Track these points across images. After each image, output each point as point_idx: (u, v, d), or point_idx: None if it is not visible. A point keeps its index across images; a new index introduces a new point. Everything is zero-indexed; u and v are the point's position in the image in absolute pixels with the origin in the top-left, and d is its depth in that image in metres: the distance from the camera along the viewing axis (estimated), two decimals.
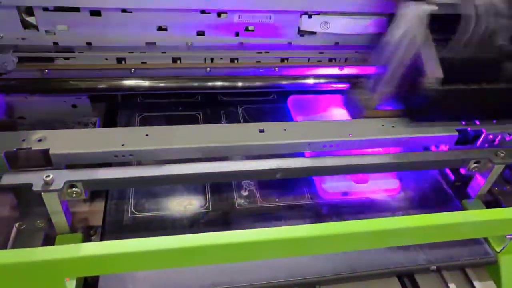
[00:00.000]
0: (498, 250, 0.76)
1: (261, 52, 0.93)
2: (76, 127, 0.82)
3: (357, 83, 0.96)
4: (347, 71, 0.97)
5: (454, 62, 0.79)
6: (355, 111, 0.91)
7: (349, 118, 0.94)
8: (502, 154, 0.80)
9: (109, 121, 0.97)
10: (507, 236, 0.73)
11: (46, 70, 0.87)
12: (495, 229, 0.73)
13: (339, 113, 0.99)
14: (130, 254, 0.58)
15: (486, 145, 0.86)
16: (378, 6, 0.89)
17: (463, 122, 0.85)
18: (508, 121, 0.86)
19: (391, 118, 0.85)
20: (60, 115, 0.89)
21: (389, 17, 0.92)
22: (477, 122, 0.85)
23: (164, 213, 0.79)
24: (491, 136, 0.84)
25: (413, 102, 0.83)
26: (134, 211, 0.78)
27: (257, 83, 0.96)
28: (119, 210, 0.78)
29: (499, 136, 0.84)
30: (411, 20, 0.77)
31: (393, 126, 0.83)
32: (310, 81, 0.97)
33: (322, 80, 0.98)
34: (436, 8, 0.78)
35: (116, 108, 1.00)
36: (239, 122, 0.99)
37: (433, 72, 0.77)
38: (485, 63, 0.80)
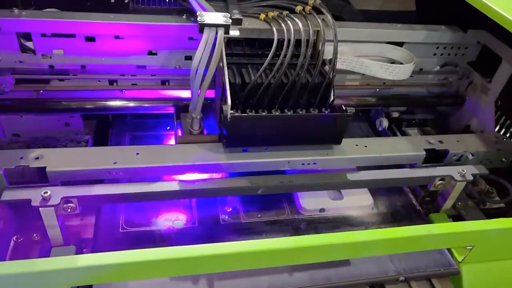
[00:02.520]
0: (460, 260, 0.82)
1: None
2: (69, 144, 0.86)
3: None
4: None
5: (250, 88, 0.79)
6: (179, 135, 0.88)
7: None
8: (463, 172, 0.87)
9: (100, 138, 1.01)
10: (467, 247, 0.80)
11: (41, 91, 0.92)
12: (456, 241, 0.79)
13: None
14: (122, 265, 0.63)
15: (451, 163, 0.93)
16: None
17: (266, 148, 0.84)
18: (469, 141, 0.94)
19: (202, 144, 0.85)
20: (53, 133, 0.93)
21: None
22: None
23: (153, 228, 0.83)
24: (455, 155, 0.92)
25: (220, 127, 0.84)
26: (125, 226, 0.82)
27: None
28: (110, 225, 0.82)
29: (462, 155, 0.92)
30: (207, 45, 0.76)
31: (366, 146, 0.89)
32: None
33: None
34: (238, 33, 0.81)
35: (107, 125, 1.04)
36: None
37: (226, 99, 0.77)
38: (278, 91, 0.80)
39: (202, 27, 0.76)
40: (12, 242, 0.75)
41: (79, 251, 0.77)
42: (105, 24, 0.85)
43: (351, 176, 0.87)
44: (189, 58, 0.95)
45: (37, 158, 0.76)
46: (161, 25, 0.87)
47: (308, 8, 0.87)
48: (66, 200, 0.73)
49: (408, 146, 0.91)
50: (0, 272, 0.59)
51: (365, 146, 0.89)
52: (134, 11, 0.97)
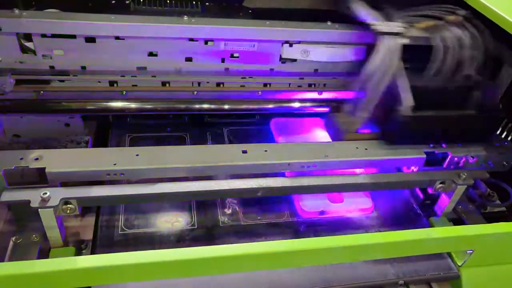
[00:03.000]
0: (459, 264, 0.82)
1: (245, 77, 0.99)
2: (69, 145, 0.86)
3: (337, 107, 1.02)
4: (325, 95, 1.04)
5: (424, 90, 0.86)
6: (336, 134, 0.97)
7: (330, 140, 1.00)
8: (464, 176, 0.87)
9: (100, 139, 1.01)
10: (467, 251, 0.80)
11: (42, 92, 0.91)
12: (456, 245, 0.79)
13: (321, 135, 1.05)
14: (121, 266, 0.63)
15: (452, 167, 0.93)
16: (354, 37, 0.96)
17: (431, 145, 0.92)
18: (471, 144, 0.93)
19: (367, 140, 0.91)
20: (53, 133, 0.93)
21: (366, 47, 0.99)
22: (444, 145, 0.92)
23: (152, 230, 0.83)
24: (456, 159, 0.91)
25: (388, 126, 0.90)
26: (124, 228, 0.82)
27: (242, 106, 1.01)
28: (110, 226, 0.82)
29: (463, 159, 0.92)
30: (386, 51, 0.84)
31: (366, 149, 0.89)
32: (291, 104, 1.03)
33: (302, 104, 1.04)
34: (408, 40, 0.86)
35: (107, 126, 1.05)
36: (224, 143, 1.05)
37: (406, 100, 0.84)
38: (452, 92, 0.88)
39: (380, 35, 0.84)
40: (11, 243, 0.74)
41: (78, 252, 0.77)
42: (106, 25, 0.85)
43: (351, 179, 0.86)
44: (189, 59, 0.95)
45: (37, 159, 0.76)
46: (162, 26, 0.87)
47: (459, 18, 0.90)
48: (66, 201, 0.72)
49: (408, 148, 0.91)
50: None
51: (366, 149, 0.89)
52: (135, 12, 0.97)
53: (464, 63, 0.87)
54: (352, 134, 0.93)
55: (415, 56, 0.89)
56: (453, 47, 0.86)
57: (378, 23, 0.86)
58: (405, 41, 0.86)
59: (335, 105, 1.03)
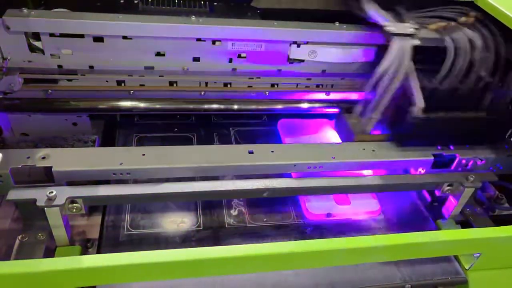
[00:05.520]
0: (467, 267, 0.81)
1: (252, 78, 0.99)
2: (76, 144, 0.86)
3: (347, 108, 1.01)
4: (333, 96, 1.03)
5: (435, 92, 0.86)
6: (346, 135, 0.97)
7: (340, 141, 1.00)
8: (472, 178, 0.86)
9: (108, 139, 1.01)
10: (475, 255, 0.79)
11: (50, 91, 0.92)
12: (464, 248, 0.79)
13: (328, 136, 1.05)
14: (126, 266, 0.63)
15: (460, 169, 0.92)
16: (363, 38, 0.96)
17: (439, 147, 0.91)
18: (479, 146, 0.93)
19: (377, 142, 0.91)
20: (61, 132, 0.94)
21: (375, 48, 0.99)
22: (451, 147, 0.91)
23: (158, 230, 0.82)
24: (464, 161, 0.91)
25: (399, 128, 0.90)
26: (129, 228, 0.82)
27: (249, 106, 1.00)
28: (116, 226, 0.82)
29: (472, 161, 0.91)
30: (397, 53, 0.83)
31: (373, 150, 0.89)
32: (299, 105, 1.03)
33: (310, 105, 1.03)
34: (419, 42, 0.85)
35: (115, 126, 1.05)
36: (231, 143, 1.04)
37: (417, 101, 0.84)
38: (463, 94, 0.87)
39: (391, 36, 0.83)
40: (17, 241, 0.75)
41: (84, 252, 0.77)
42: (114, 25, 0.85)
43: (358, 181, 0.86)
44: (197, 59, 0.95)
45: (44, 157, 0.76)
46: (170, 26, 0.87)
47: (471, 19, 0.89)
48: (72, 200, 0.73)
49: (416, 150, 0.90)
50: (5, 272, 0.59)
51: (373, 150, 0.89)
52: (143, 11, 0.97)
53: (476, 65, 0.86)
54: (362, 136, 0.93)
55: (427, 57, 0.89)
56: (465, 48, 0.85)
57: (390, 24, 0.85)
58: (417, 42, 0.85)
59: (346, 106, 1.02)
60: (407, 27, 0.85)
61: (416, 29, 0.85)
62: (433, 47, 0.88)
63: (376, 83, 0.87)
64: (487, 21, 0.88)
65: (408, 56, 0.83)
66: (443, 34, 0.88)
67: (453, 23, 0.89)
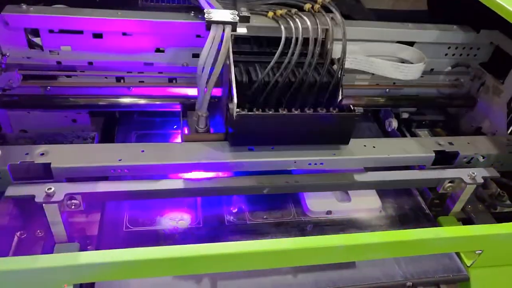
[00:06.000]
0: (468, 264, 0.81)
1: None
2: (75, 141, 0.86)
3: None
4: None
5: (264, 85, 0.79)
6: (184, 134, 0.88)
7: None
8: (473, 175, 0.85)
9: (107, 135, 1.01)
10: (476, 252, 0.78)
11: (49, 87, 0.92)
12: (465, 245, 0.78)
13: None
14: (125, 263, 0.63)
15: (462, 166, 0.91)
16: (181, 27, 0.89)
17: (273, 147, 0.83)
18: (480, 143, 0.92)
19: (207, 142, 0.84)
20: (60, 129, 0.94)
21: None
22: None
23: (157, 227, 0.82)
24: (465, 158, 0.90)
25: (226, 125, 0.83)
26: (128, 225, 0.82)
27: None
28: (115, 223, 0.82)
29: (473, 158, 0.90)
30: (214, 42, 0.76)
31: (374, 146, 0.88)
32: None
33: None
34: (245, 30, 0.80)
35: (114, 122, 1.04)
36: None
37: (233, 97, 0.76)
38: (286, 90, 0.80)
39: (209, 24, 0.75)
40: (15, 238, 0.74)
41: (83, 248, 0.76)
42: (113, 21, 0.85)
43: (359, 177, 0.85)
44: (196, 55, 0.94)
45: (43, 154, 0.76)
46: (169, 22, 0.87)
47: (317, 6, 0.87)
48: (70, 196, 0.72)
49: (417, 147, 0.89)
50: (3, 268, 0.59)
51: (374, 147, 0.88)
52: (143, 8, 0.97)
53: (309, 54, 0.79)
54: (192, 135, 0.85)
55: (250, 47, 0.85)
56: (297, 38, 0.79)
57: (211, 11, 0.77)
58: (243, 30, 0.79)
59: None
60: (229, 15, 0.76)
61: (243, 16, 0.78)
62: (257, 37, 0.84)
63: (198, 77, 0.79)
64: (333, 6, 0.84)
65: (227, 46, 0.76)
66: (279, 22, 0.81)
67: (294, 10, 0.84)
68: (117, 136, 1.01)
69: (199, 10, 0.91)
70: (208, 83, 0.78)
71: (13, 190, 0.72)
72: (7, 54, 0.87)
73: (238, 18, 0.77)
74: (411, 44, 1.02)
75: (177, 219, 0.84)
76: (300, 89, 0.80)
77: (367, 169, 0.89)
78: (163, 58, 0.94)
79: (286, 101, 0.80)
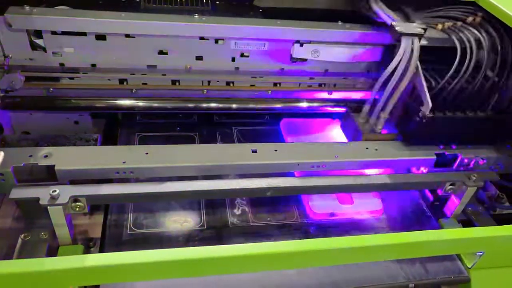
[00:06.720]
0: (469, 266, 0.81)
1: (255, 77, 0.99)
2: (78, 143, 0.86)
3: (355, 108, 1.01)
4: (336, 96, 1.03)
5: (442, 91, 0.86)
6: (354, 134, 0.97)
7: (345, 140, 1.00)
8: (474, 178, 0.86)
9: (109, 137, 1.01)
10: (477, 253, 0.79)
11: (51, 89, 0.91)
12: (466, 246, 0.79)
13: (332, 135, 1.05)
14: (129, 265, 0.63)
15: (462, 168, 0.92)
16: (365, 38, 0.95)
17: (441, 146, 0.91)
18: (481, 146, 0.93)
19: (381, 141, 0.91)
20: (62, 131, 0.93)
21: (378, 47, 0.99)
22: (453, 147, 0.91)
23: (161, 229, 0.82)
24: (466, 160, 0.91)
25: (407, 127, 0.91)
26: (132, 227, 0.82)
27: (251, 106, 1.00)
28: (118, 225, 0.82)
29: (473, 160, 0.91)
30: (406, 53, 0.83)
31: (376, 149, 0.89)
32: (301, 104, 1.03)
33: (312, 104, 1.03)
34: (427, 42, 0.86)
35: (116, 124, 1.04)
36: (233, 142, 1.04)
37: (425, 101, 0.84)
38: (470, 93, 0.87)
39: (397, 35, 0.84)
40: (19, 240, 0.74)
41: (86, 251, 0.77)
42: (116, 23, 0.85)
43: (361, 180, 0.86)
44: (199, 58, 0.95)
45: (46, 156, 0.76)
46: (172, 24, 0.87)
47: (478, 19, 0.90)
48: (75, 199, 0.72)
49: (418, 149, 0.90)
50: (7, 271, 0.59)
51: (376, 150, 0.89)
52: (146, 10, 0.97)
53: (482, 64, 0.86)
54: (371, 135, 0.93)
55: (434, 57, 0.89)
56: (471, 48, 0.85)
57: (398, 24, 0.85)
58: (424, 42, 0.86)
59: (353, 105, 1.02)
60: (415, 27, 0.85)
61: (423, 29, 0.85)
62: (439, 47, 0.89)
63: (384, 83, 0.88)
64: (494, 21, 0.88)
65: (417, 56, 0.84)
66: (450, 34, 0.88)
67: (459, 23, 0.90)
68: (120, 138, 1.01)
69: (202, 13, 0.92)
70: (396, 89, 0.87)
71: (17, 193, 0.71)
72: (10, 55, 0.86)
73: (423, 31, 0.84)
74: None
75: (181, 221, 0.84)
76: (479, 93, 0.87)
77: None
78: (166, 60, 0.94)
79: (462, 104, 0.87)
